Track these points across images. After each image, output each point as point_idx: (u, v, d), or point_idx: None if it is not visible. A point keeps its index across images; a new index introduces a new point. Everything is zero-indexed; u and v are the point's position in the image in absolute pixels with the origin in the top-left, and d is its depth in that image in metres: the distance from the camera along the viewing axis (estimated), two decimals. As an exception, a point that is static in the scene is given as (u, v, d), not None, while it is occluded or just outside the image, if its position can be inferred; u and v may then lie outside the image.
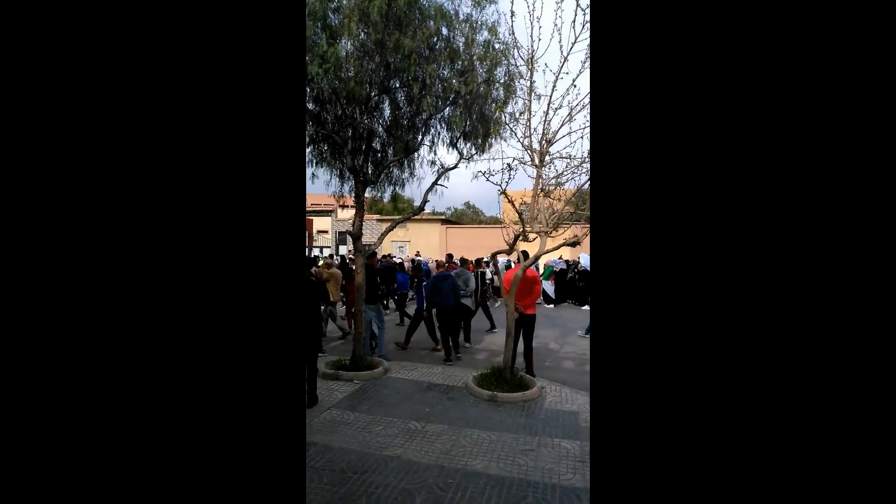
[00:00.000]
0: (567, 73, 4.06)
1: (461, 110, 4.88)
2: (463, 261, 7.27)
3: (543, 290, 10.05)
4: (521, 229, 4.52)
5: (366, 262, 5.31)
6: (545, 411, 4.04)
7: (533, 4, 3.98)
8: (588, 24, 3.70)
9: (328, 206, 22.80)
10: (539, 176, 4.40)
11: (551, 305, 11.03)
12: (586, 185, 4.31)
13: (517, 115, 4.58)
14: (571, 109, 4.17)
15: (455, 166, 5.43)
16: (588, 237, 3.52)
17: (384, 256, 11.47)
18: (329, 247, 22.43)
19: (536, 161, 4.36)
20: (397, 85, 4.93)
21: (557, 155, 4.42)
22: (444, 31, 4.71)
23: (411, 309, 7.66)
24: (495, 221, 23.55)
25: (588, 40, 3.64)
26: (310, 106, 4.83)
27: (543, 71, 4.57)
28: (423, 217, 19.19)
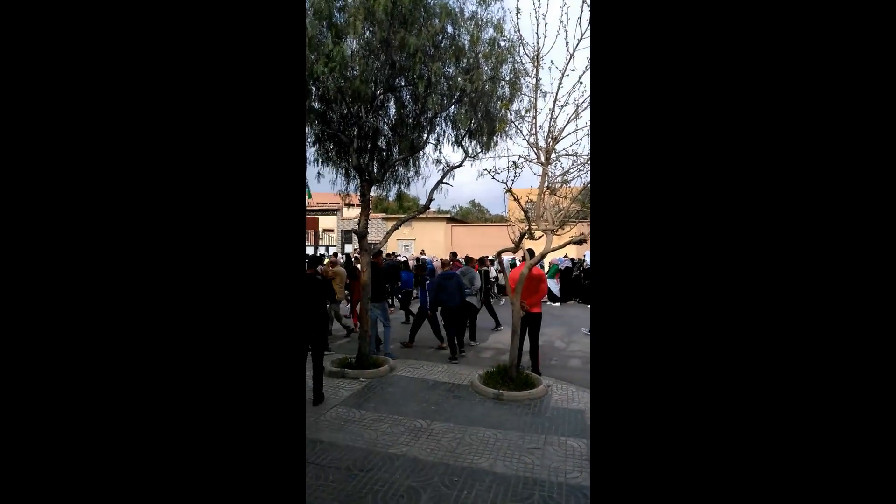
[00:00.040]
0: (573, 70, 4.05)
1: (466, 108, 4.87)
2: (468, 259, 7.26)
3: (548, 288, 10.03)
4: (527, 227, 4.50)
5: (371, 261, 5.32)
6: (551, 409, 4.03)
7: (538, 1, 3.95)
8: (594, 21, 3.67)
9: (334, 205, 22.87)
10: (545, 174, 4.38)
11: (557, 304, 11.00)
12: (592, 183, 4.27)
13: (523, 112, 4.56)
14: (577, 106, 4.15)
15: (460, 164, 5.42)
16: (594, 235, 3.49)
17: (388, 255, 11.50)
18: (335, 245, 22.51)
19: (542, 159, 4.34)
20: (402, 83, 4.93)
21: (563, 152, 4.41)
22: (450, 28, 4.69)
23: (415, 307, 7.67)
24: (501, 220, 23.51)
25: (594, 37, 3.61)
26: (315, 105, 4.84)
27: (549, 68, 4.56)
28: (429, 216, 19.21)
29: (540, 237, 4.58)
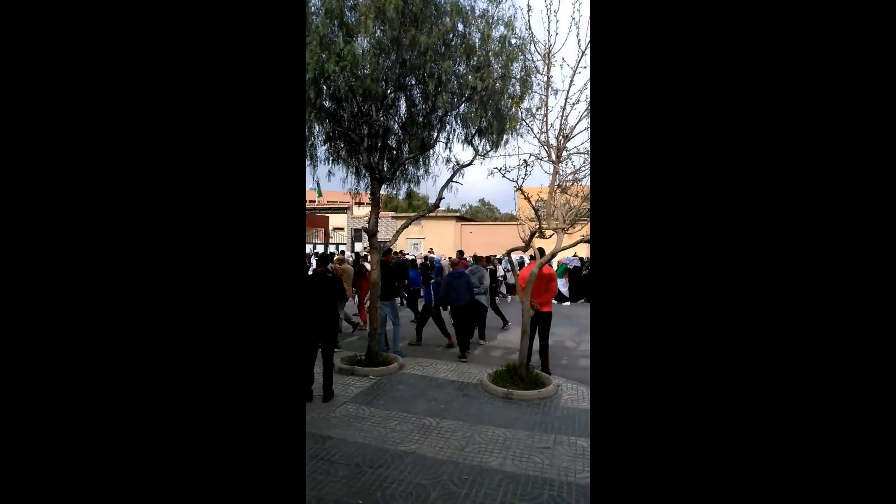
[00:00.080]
0: (585, 68, 4.00)
1: (477, 106, 4.85)
2: (476, 258, 7.25)
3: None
4: (538, 226, 4.48)
5: (381, 259, 5.34)
6: (561, 409, 4.01)
7: (550, -2, 3.92)
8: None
9: (344, 204, 23.00)
10: (556, 172, 4.35)
11: (567, 303, 10.93)
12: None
13: (534, 110, 4.53)
14: (589, 104, 4.11)
15: (470, 163, 5.41)
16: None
17: (396, 253, 11.53)
18: (345, 243, 22.64)
19: (553, 157, 4.31)
20: (413, 82, 4.93)
21: (575, 150, 4.37)
22: (460, 27, 4.68)
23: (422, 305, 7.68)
24: (511, 218, 23.43)
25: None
26: (326, 103, 4.87)
27: (561, 65, 4.53)
28: (438, 214, 19.22)
29: (551, 236, 4.55)
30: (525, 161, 4.36)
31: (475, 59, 4.69)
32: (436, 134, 5.27)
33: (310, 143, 5.17)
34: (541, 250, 4.94)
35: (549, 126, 4.30)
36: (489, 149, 5.24)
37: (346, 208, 23.08)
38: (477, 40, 4.66)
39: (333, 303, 4.30)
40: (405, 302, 8.97)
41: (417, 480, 2.74)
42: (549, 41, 4.12)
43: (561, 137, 4.25)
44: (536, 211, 4.48)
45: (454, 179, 5.44)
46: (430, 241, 20.58)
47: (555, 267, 10.66)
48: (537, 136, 4.38)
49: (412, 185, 6.18)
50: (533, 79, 4.71)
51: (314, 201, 23.66)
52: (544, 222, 4.46)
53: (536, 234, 4.55)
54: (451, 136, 5.48)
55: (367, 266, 6.97)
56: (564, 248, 4.44)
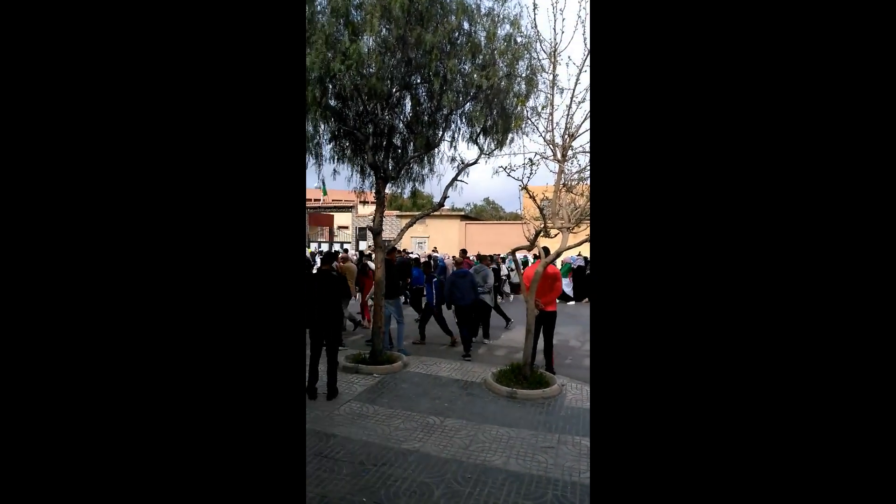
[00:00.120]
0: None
1: (482, 105, 4.85)
2: (481, 257, 7.24)
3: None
4: (543, 225, 4.47)
5: (385, 258, 5.35)
6: (565, 409, 4.00)
7: (556, -4, 3.91)
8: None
9: (349, 202, 23.06)
10: (561, 171, 4.34)
11: (571, 303, 10.90)
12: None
13: (539, 109, 4.52)
14: (595, 103, 4.08)
15: (475, 162, 5.40)
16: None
17: (400, 252, 11.54)
18: (349, 242, 22.70)
19: (559, 156, 4.30)
20: (418, 81, 4.93)
21: (580, 149, 4.35)
22: (466, 25, 4.67)
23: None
24: (515, 217, 23.40)
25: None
26: (332, 102, 4.88)
27: (567, 64, 4.50)
28: (443, 213, 19.24)
29: (556, 235, 4.54)
30: (530, 160, 4.35)
31: (481, 57, 4.68)
32: (441, 133, 5.27)
33: (315, 141, 5.19)
34: (546, 249, 4.92)
35: (554, 125, 4.29)
36: (494, 148, 5.24)
37: (351, 207, 23.14)
38: (483, 39, 4.65)
39: (338, 301, 4.31)
40: (408, 300, 8.99)
41: (421, 479, 2.75)
42: (555, 39, 4.11)
43: (566, 136, 4.24)
44: (542, 210, 4.46)
45: (459, 178, 5.44)
46: (435, 239, 20.59)
47: (559, 266, 10.64)
48: (543, 134, 4.37)
49: (417, 184, 6.19)
50: (539, 77, 4.70)
51: (319, 200, 23.74)
52: (549, 221, 4.45)
53: (542, 234, 4.54)
54: (456, 135, 5.49)
55: (371, 265, 7.00)
56: (569, 248, 4.43)
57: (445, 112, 5.00)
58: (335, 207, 23.75)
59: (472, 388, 4.53)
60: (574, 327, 7.87)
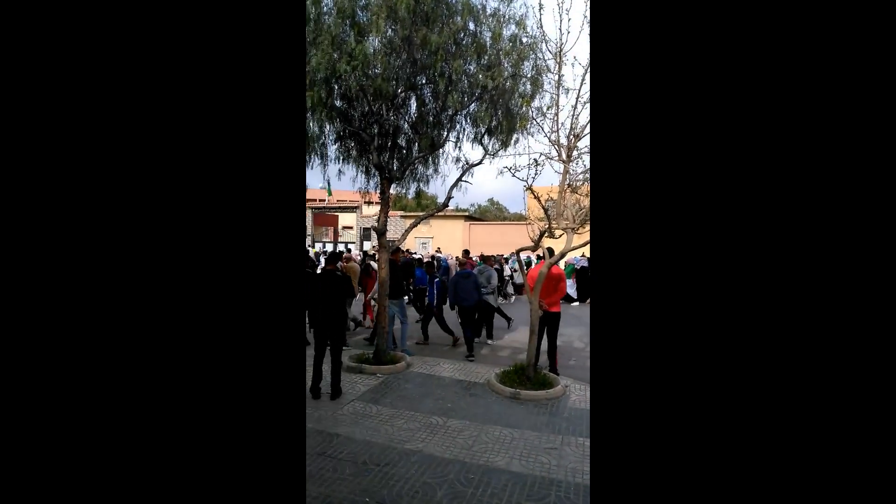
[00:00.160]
0: (596, 67, 3.96)
1: (487, 106, 4.84)
2: (485, 258, 7.24)
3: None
4: (548, 226, 4.46)
5: (390, 258, 5.36)
6: (569, 410, 3.99)
7: (562, -3, 3.90)
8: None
9: (354, 203, 23.13)
10: (566, 171, 4.33)
11: (575, 304, 10.86)
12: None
13: (544, 109, 4.51)
14: (600, 104, 4.07)
15: (480, 162, 5.40)
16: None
17: (404, 252, 11.55)
18: (354, 242, 22.75)
19: (564, 156, 4.29)
20: (423, 81, 4.93)
21: (585, 150, 4.34)
22: (472, 26, 4.67)
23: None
24: (520, 218, 23.36)
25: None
26: (337, 103, 4.89)
27: (572, 64, 4.49)
28: (447, 213, 19.23)
29: (560, 236, 4.53)
30: (535, 160, 4.35)
31: (486, 58, 4.68)
32: (446, 133, 5.28)
33: (320, 142, 5.21)
34: (550, 250, 4.91)
35: (559, 125, 4.28)
36: (499, 148, 5.23)
37: (356, 207, 23.20)
38: (488, 39, 4.65)
39: (342, 301, 4.32)
40: (411, 301, 9.00)
41: (424, 479, 2.75)
42: (560, 40, 4.10)
43: (572, 137, 4.23)
44: (546, 210, 4.45)
45: (463, 179, 5.44)
46: (439, 240, 20.59)
47: (562, 267, 10.60)
48: (548, 135, 4.36)
49: (421, 185, 6.19)
50: (544, 78, 4.69)
51: (324, 200, 23.82)
52: (554, 222, 4.44)
53: (546, 234, 4.53)
54: (460, 136, 5.49)
55: (374, 265, 7.02)
56: (574, 249, 4.42)
57: (450, 112, 5.00)
58: (340, 208, 23.82)
59: (476, 388, 4.53)
60: (578, 328, 7.85)
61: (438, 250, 16.72)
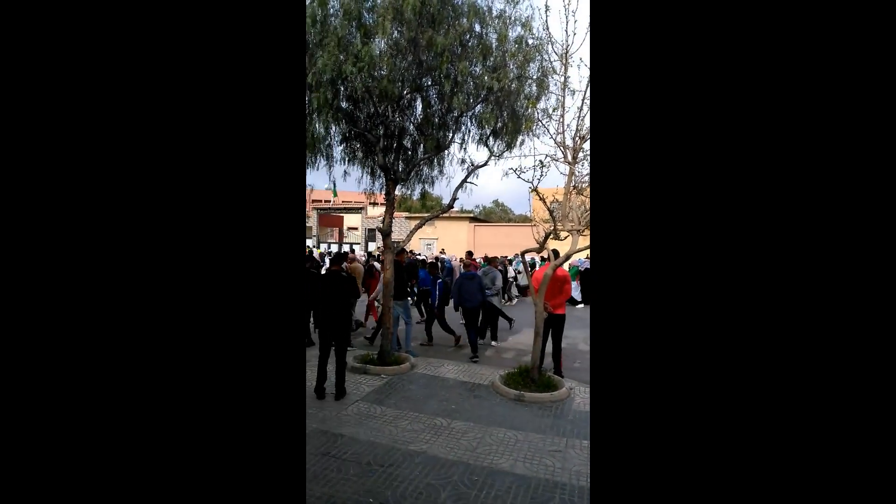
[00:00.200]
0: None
1: (492, 107, 4.85)
2: (489, 259, 7.23)
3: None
4: (553, 227, 4.45)
5: (395, 259, 5.37)
6: (574, 413, 3.97)
7: (568, -2, 3.90)
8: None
9: (359, 204, 23.19)
10: (572, 173, 4.32)
11: (580, 306, 10.82)
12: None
13: (550, 111, 4.51)
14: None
15: (485, 164, 5.40)
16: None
17: (408, 253, 11.55)
18: (359, 243, 22.81)
19: (569, 158, 4.28)
20: (429, 83, 4.94)
21: (591, 152, 4.33)
22: (477, 27, 4.68)
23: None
24: (524, 219, 23.32)
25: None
26: (343, 104, 4.91)
27: (578, 66, 4.49)
28: (452, 215, 19.23)
29: (565, 237, 4.51)
30: (541, 162, 4.34)
31: (491, 59, 4.68)
32: (451, 135, 5.28)
33: (326, 143, 5.23)
34: (555, 252, 4.90)
35: (565, 127, 4.27)
36: (504, 149, 5.23)
37: (361, 208, 23.26)
38: (494, 41, 4.66)
39: (347, 301, 4.33)
40: (414, 302, 9.01)
41: (428, 480, 2.74)
42: (566, 41, 4.09)
43: (577, 138, 4.22)
44: (551, 212, 4.44)
45: (468, 180, 5.44)
46: (443, 241, 20.60)
47: (566, 269, 10.56)
48: (553, 136, 4.35)
49: (426, 186, 6.21)
50: (550, 79, 4.69)
51: (330, 201, 23.90)
52: (559, 224, 4.43)
53: (551, 236, 4.52)
54: (466, 137, 5.49)
55: (377, 266, 7.03)
56: (579, 251, 4.40)
57: (456, 114, 5.01)
58: (345, 209, 23.90)
59: (480, 390, 4.52)
60: (583, 331, 7.81)
61: (443, 251, 16.73)
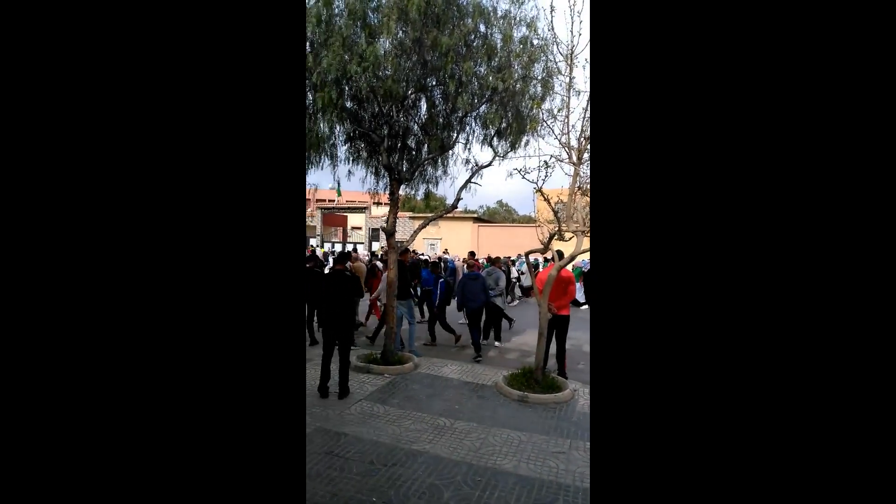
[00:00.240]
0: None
1: (497, 107, 4.84)
2: (493, 259, 7.22)
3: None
4: (557, 228, 4.43)
5: (398, 259, 5.37)
6: (577, 414, 3.96)
7: (574, -2, 3.89)
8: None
9: (363, 203, 23.23)
10: (577, 174, 4.30)
11: (584, 307, 10.78)
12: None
13: (555, 111, 4.49)
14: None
15: (489, 164, 5.40)
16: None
17: (411, 253, 11.56)
18: (362, 242, 22.84)
19: (574, 158, 4.27)
20: (434, 83, 4.94)
21: (596, 153, 4.31)
22: (482, 27, 4.67)
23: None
24: (528, 220, 23.29)
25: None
26: (348, 104, 4.92)
27: (583, 66, 4.47)
28: (455, 215, 19.21)
29: (570, 238, 4.50)
30: (545, 162, 4.33)
31: (496, 59, 4.67)
32: (455, 135, 5.28)
33: (331, 142, 5.24)
34: (560, 253, 4.88)
35: (570, 127, 4.26)
36: (508, 150, 5.22)
37: (365, 208, 23.30)
38: (498, 41, 4.65)
39: (351, 301, 4.33)
40: (417, 302, 9.02)
41: (431, 480, 2.74)
42: (572, 42, 4.09)
43: (582, 139, 4.21)
44: (556, 213, 4.43)
45: (472, 180, 5.44)
46: (447, 241, 20.60)
47: (570, 270, 10.53)
48: (558, 137, 4.35)
49: (430, 186, 6.20)
50: (555, 80, 4.67)
51: (334, 200, 23.96)
52: (564, 225, 4.41)
53: (556, 237, 4.51)
54: (470, 137, 5.49)
55: (379, 265, 7.03)
56: (584, 252, 4.39)
57: (460, 114, 5.00)
58: (349, 208, 23.94)
59: (483, 390, 4.51)
60: (587, 332, 7.78)
61: (446, 251, 16.73)
